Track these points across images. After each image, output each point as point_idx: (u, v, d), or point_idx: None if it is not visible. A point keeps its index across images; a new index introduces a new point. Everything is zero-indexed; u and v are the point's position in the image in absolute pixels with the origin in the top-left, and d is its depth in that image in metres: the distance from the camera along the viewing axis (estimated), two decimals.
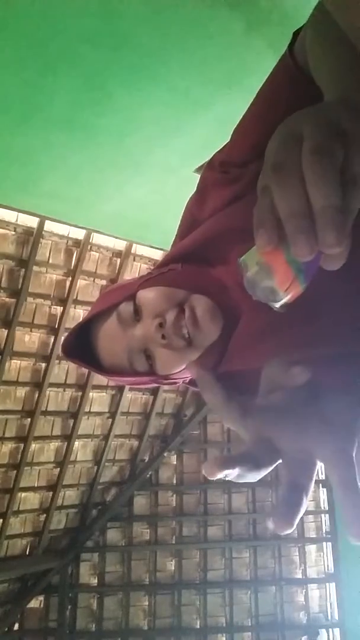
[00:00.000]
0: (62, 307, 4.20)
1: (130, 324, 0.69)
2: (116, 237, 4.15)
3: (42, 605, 5.10)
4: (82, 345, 0.75)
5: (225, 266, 0.68)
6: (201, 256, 0.72)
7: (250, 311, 0.64)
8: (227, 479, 0.37)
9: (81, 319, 0.76)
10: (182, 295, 0.67)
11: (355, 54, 0.50)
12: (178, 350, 0.67)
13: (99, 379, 4.62)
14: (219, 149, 0.76)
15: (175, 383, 0.74)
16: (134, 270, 4.52)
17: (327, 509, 5.39)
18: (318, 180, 0.32)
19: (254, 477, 0.38)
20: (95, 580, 5.19)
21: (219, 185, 0.72)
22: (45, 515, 4.82)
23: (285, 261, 0.37)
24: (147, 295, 0.69)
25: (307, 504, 0.38)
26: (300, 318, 0.59)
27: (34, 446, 4.50)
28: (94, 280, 4.34)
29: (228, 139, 0.77)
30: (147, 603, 5.19)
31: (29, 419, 4.38)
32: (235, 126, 0.75)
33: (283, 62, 0.64)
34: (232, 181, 0.70)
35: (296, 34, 0.62)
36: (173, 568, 5.28)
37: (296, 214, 0.33)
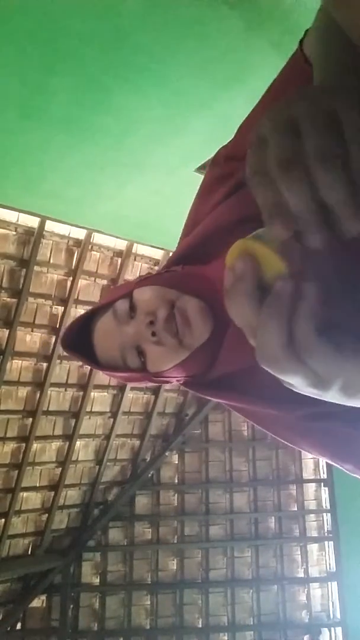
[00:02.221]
0: (63, 307, 4.20)
1: (125, 320, 0.71)
2: (117, 237, 4.15)
3: (44, 605, 5.11)
4: (81, 340, 0.77)
5: (220, 263, 0.68)
6: (200, 255, 0.73)
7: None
8: None
9: (82, 314, 0.79)
10: (174, 295, 0.68)
11: (353, 57, 0.50)
12: (168, 347, 0.68)
13: (100, 378, 4.62)
14: (224, 145, 0.76)
15: (167, 382, 0.75)
16: (134, 270, 4.52)
17: (329, 508, 5.39)
18: (330, 184, 0.34)
19: None
20: (98, 580, 5.20)
21: (221, 181, 0.73)
22: (47, 514, 4.82)
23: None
24: (142, 294, 0.71)
25: None
26: None
27: (35, 446, 4.50)
28: (95, 280, 4.34)
29: (229, 137, 0.78)
30: (149, 602, 5.20)
31: (31, 419, 4.38)
32: (242, 121, 0.75)
33: (294, 57, 0.65)
34: (233, 176, 0.71)
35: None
36: (175, 567, 5.29)
37: (310, 211, 0.35)
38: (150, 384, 0.79)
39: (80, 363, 4.47)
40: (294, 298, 0.35)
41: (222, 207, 0.71)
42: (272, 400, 0.62)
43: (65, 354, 4.29)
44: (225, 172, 0.73)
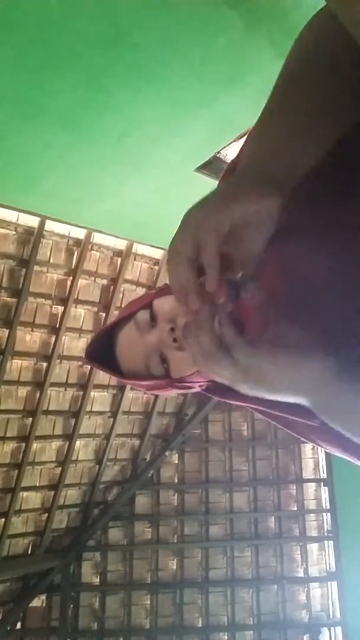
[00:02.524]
0: (63, 307, 4.20)
1: (147, 329, 0.75)
2: (117, 237, 4.15)
3: (44, 604, 5.11)
4: (104, 352, 0.81)
5: None
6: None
7: (255, 318, 0.66)
8: None
9: (103, 328, 0.84)
10: None
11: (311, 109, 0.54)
12: (189, 352, 0.71)
13: (100, 378, 4.62)
14: (232, 159, 0.78)
15: (190, 387, 0.79)
16: (134, 270, 4.52)
17: (328, 507, 5.39)
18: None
19: None
20: (97, 579, 5.20)
21: None
22: (47, 514, 4.82)
23: None
24: (161, 303, 0.75)
25: None
26: (306, 326, 0.62)
27: (35, 445, 4.50)
28: (94, 280, 4.34)
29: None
30: (149, 602, 5.20)
31: (31, 419, 4.38)
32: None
33: None
34: None
35: None
36: (175, 567, 5.29)
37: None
38: (174, 391, 0.83)
39: (80, 363, 4.48)
40: (213, 315, 0.52)
41: None
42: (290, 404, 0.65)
43: (65, 353, 4.31)
44: None
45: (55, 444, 4.67)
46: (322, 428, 0.65)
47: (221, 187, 0.55)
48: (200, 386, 0.78)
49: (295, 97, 0.56)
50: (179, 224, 0.53)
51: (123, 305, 4.53)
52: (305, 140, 0.54)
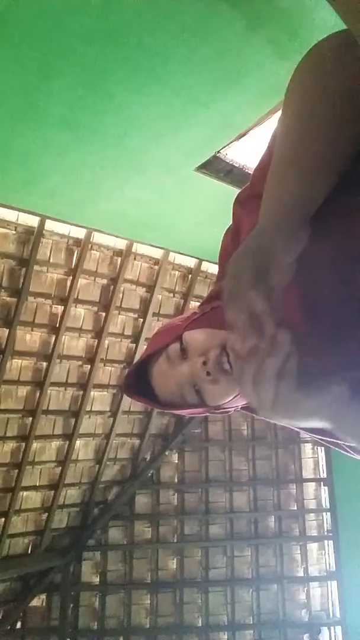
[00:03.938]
0: (63, 307, 4.20)
1: (179, 362, 0.77)
2: (117, 236, 4.15)
3: (44, 604, 5.11)
4: (141, 384, 0.84)
5: None
6: None
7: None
8: None
9: (137, 360, 0.86)
10: (223, 335, 0.73)
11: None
12: (223, 383, 0.74)
13: (100, 378, 4.62)
14: (242, 188, 0.78)
15: (228, 411, 0.82)
16: (134, 270, 4.52)
17: (328, 507, 5.39)
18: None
19: None
20: (97, 579, 5.20)
21: (249, 213, 0.76)
22: (47, 514, 4.82)
23: None
24: (192, 336, 0.77)
25: None
26: (332, 348, 0.66)
27: (35, 445, 4.51)
28: (94, 280, 4.34)
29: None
30: (149, 601, 5.20)
31: (31, 418, 4.38)
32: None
33: None
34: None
35: None
36: (175, 566, 5.29)
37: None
38: (212, 414, 0.86)
39: (80, 362, 4.48)
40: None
41: None
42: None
43: (65, 353, 4.31)
44: (252, 207, 0.76)
45: (55, 443, 4.67)
46: None
47: (265, 228, 0.58)
48: (241, 407, 0.81)
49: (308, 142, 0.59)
50: (240, 249, 0.56)
51: (123, 305, 4.54)
52: (320, 179, 0.58)
